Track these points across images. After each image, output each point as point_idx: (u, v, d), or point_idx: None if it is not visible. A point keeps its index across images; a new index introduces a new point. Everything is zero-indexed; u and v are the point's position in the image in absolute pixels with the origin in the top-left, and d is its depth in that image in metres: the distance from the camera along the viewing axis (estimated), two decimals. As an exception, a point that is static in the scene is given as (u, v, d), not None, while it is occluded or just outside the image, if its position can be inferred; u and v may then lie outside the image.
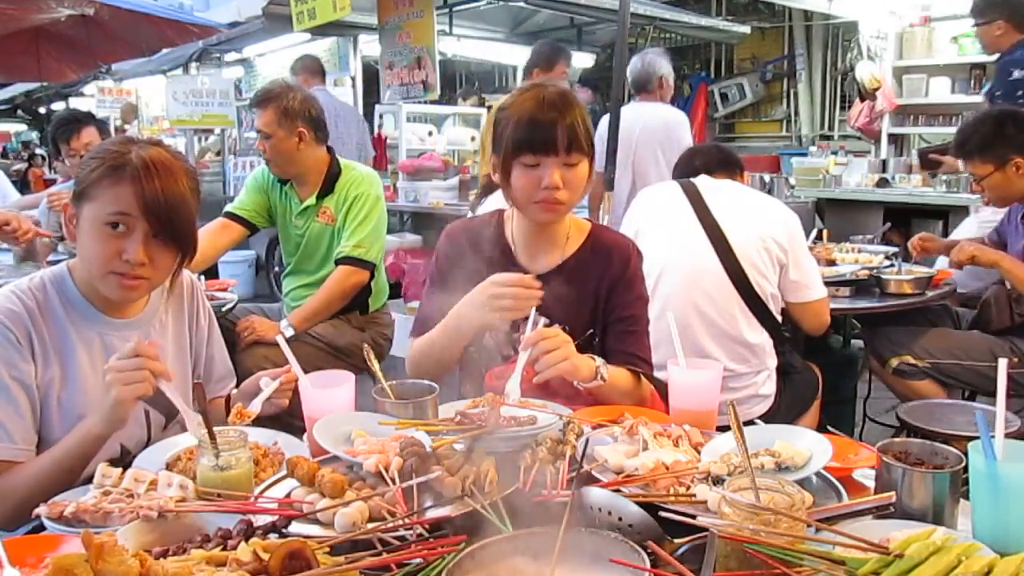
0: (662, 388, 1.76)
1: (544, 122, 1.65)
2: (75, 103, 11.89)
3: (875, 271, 3.07)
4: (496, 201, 3.20)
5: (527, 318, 1.65)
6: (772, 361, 2.51)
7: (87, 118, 3.89)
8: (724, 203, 2.48)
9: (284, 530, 1.09)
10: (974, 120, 2.98)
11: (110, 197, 1.44)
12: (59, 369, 1.51)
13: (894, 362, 2.87)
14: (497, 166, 1.75)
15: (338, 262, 2.93)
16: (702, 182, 2.57)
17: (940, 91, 6.86)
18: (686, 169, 2.74)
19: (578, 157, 1.68)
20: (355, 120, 6.20)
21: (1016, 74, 3.79)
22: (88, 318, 1.56)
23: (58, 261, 2.61)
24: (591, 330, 1.84)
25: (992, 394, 1.19)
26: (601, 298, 1.81)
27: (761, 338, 2.46)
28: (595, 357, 1.64)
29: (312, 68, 6.01)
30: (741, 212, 2.48)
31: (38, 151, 14.56)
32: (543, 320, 1.64)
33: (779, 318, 2.50)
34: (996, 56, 4.04)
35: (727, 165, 2.73)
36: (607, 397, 1.66)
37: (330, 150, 3.08)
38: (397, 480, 1.18)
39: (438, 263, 1.90)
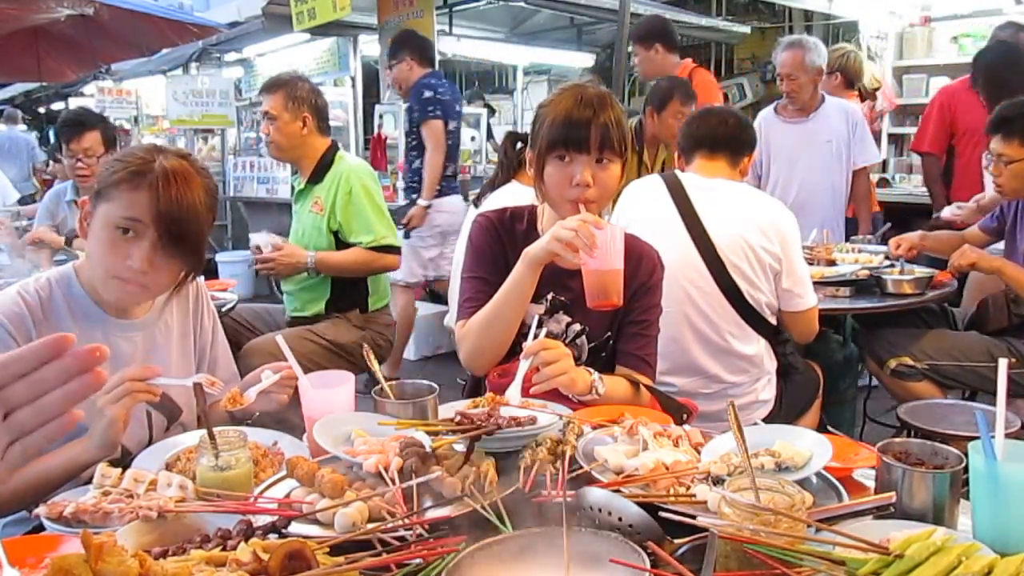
0: (662, 399, 1.76)
1: (579, 120, 1.66)
2: (75, 103, 11.86)
3: (875, 271, 3.06)
4: (500, 198, 3.19)
5: (529, 326, 1.65)
6: (772, 364, 2.49)
7: (94, 122, 3.68)
8: (713, 208, 2.38)
9: (284, 530, 1.09)
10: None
11: (125, 201, 1.46)
12: None
13: (892, 363, 2.86)
14: (532, 161, 1.77)
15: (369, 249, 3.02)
16: (689, 180, 2.45)
17: (940, 91, 6.85)
18: (687, 140, 2.60)
19: (610, 156, 1.69)
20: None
21: (426, 94, 4.69)
22: (93, 318, 1.56)
23: (62, 261, 2.61)
24: (608, 333, 1.85)
25: (991, 394, 1.19)
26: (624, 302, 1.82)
27: (758, 347, 2.42)
28: (591, 370, 1.64)
29: None
30: (731, 219, 2.37)
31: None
32: (544, 330, 1.66)
33: (774, 321, 2.46)
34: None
35: (738, 145, 2.54)
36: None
37: (334, 143, 3.15)
38: (397, 480, 1.17)
39: (474, 248, 1.89)
